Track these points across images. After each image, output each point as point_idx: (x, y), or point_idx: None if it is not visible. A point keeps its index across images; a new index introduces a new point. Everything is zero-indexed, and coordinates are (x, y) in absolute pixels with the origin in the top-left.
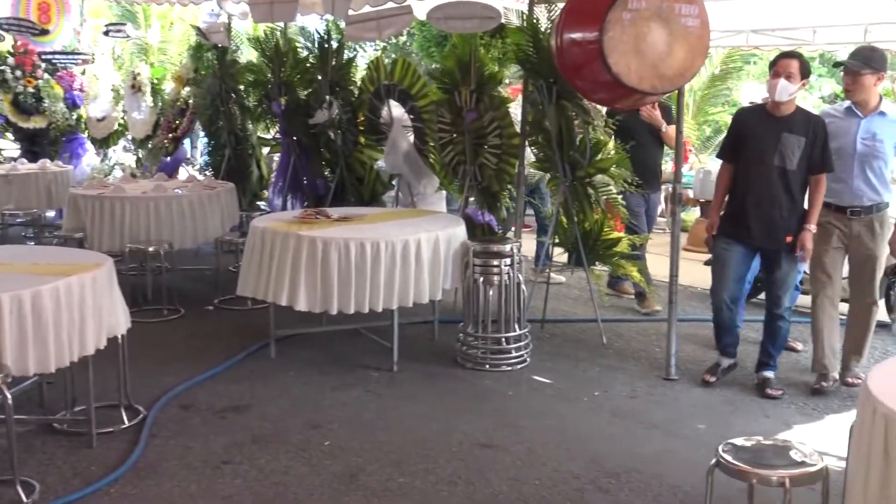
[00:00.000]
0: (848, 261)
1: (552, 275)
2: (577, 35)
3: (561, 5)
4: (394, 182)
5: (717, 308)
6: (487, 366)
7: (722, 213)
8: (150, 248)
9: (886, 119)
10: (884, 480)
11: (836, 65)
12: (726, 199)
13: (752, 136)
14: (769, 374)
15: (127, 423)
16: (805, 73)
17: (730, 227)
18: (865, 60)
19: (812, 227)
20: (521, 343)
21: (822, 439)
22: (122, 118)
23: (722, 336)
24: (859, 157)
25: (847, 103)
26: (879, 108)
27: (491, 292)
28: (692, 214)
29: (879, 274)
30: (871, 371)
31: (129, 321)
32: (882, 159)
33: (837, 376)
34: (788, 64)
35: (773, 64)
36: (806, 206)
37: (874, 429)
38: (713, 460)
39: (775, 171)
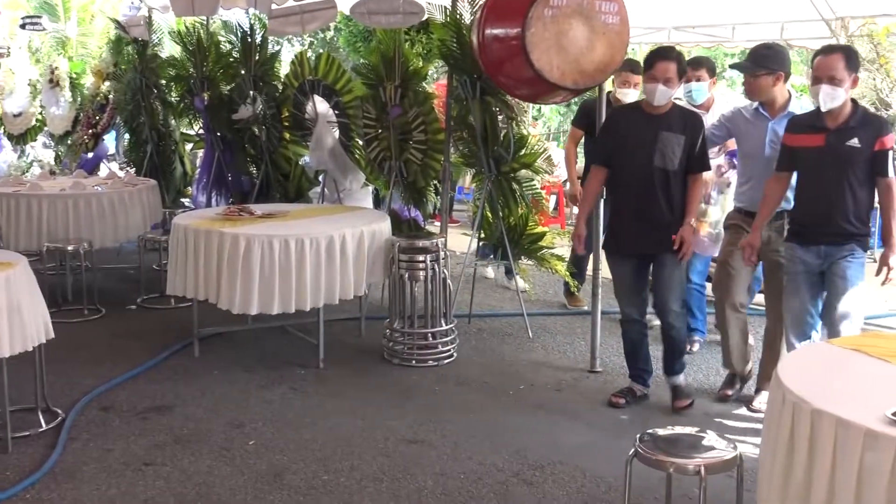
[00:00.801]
0: (761, 269)
1: (480, 269)
2: (499, 31)
3: (482, 1)
4: (320, 178)
5: (624, 328)
6: (414, 361)
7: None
8: (70, 247)
9: None
10: (788, 465)
11: (733, 66)
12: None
13: (630, 136)
14: (677, 380)
15: (44, 427)
16: (682, 73)
17: (614, 243)
18: (760, 61)
19: (691, 221)
20: (448, 338)
21: (739, 427)
22: (40, 114)
23: (631, 359)
24: (767, 160)
25: (756, 104)
26: (787, 108)
27: (417, 288)
28: None
29: None
30: (782, 360)
31: (50, 332)
32: None
33: (747, 374)
34: (667, 68)
35: (648, 65)
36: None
37: (783, 416)
38: (632, 450)
39: (656, 172)
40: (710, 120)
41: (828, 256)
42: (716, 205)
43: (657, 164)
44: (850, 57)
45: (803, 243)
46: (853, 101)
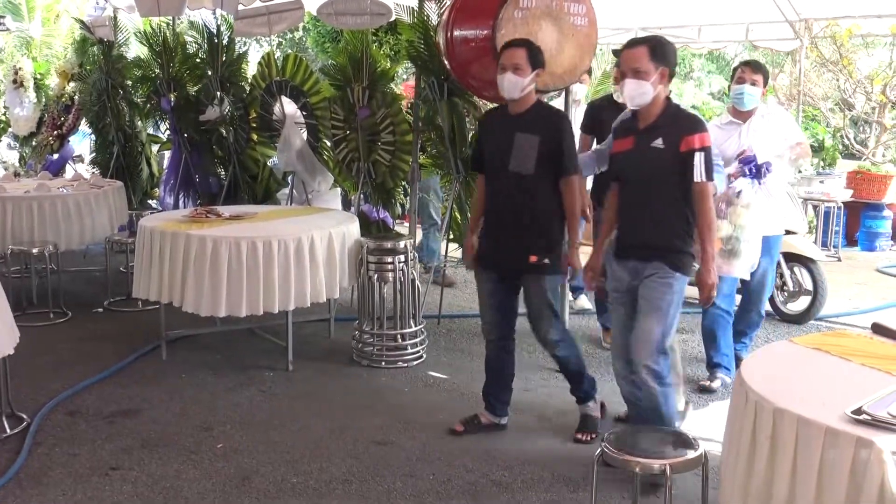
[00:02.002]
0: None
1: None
2: (468, 32)
3: (449, 2)
4: (288, 179)
5: (486, 349)
6: (383, 363)
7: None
8: (34, 250)
9: None
10: (750, 463)
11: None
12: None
13: (490, 139)
14: (584, 408)
15: (9, 432)
16: (536, 63)
17: (478, 251)
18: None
19: (573, 240)
20: (417, 339)
21: (706, 426)
22: (4, 115)
23: (488, 383)
24: None
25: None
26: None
27: (386, 289)
28: None
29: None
30: (745, 359)
31: (15, 339)
32: None
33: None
34: (513, 54)
35: (498, 53)
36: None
37: (745, 414)
38: (598, 451)
39: (512, 177)
40: (746, 132)
41: (637, 273)
42: (726, 218)
43: (513, 168)
44: (656, 49)
45: (618, 258)
46: (667, 98)
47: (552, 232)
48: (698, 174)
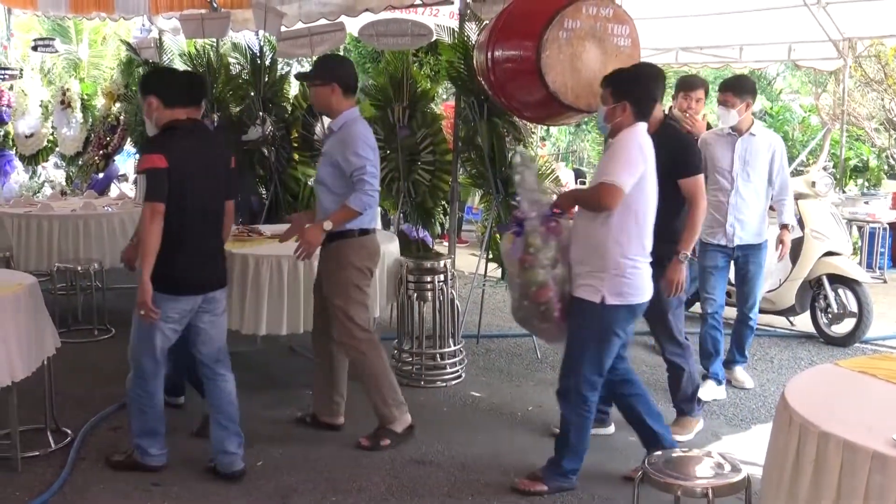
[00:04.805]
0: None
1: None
2: (511, 53)
3: (489, 23)
4: None
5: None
6: (422, 382)
7: None
8: (80, 267)
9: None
10: (793, 487)
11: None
12: None
13: None
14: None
15: (54, 447)
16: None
17: None
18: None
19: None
20: (456, 359)
21: (748, 449)
22: (52, 134)
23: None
24: None
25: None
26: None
27: (425, 308)
28: None
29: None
30: (789, 382)
31: (57, 342)
32: None
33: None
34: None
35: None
36: None
37: (789, 437)
38: (639, 472)
39: None
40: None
41: None
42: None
43: None
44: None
45: None
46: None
47: None
48: None
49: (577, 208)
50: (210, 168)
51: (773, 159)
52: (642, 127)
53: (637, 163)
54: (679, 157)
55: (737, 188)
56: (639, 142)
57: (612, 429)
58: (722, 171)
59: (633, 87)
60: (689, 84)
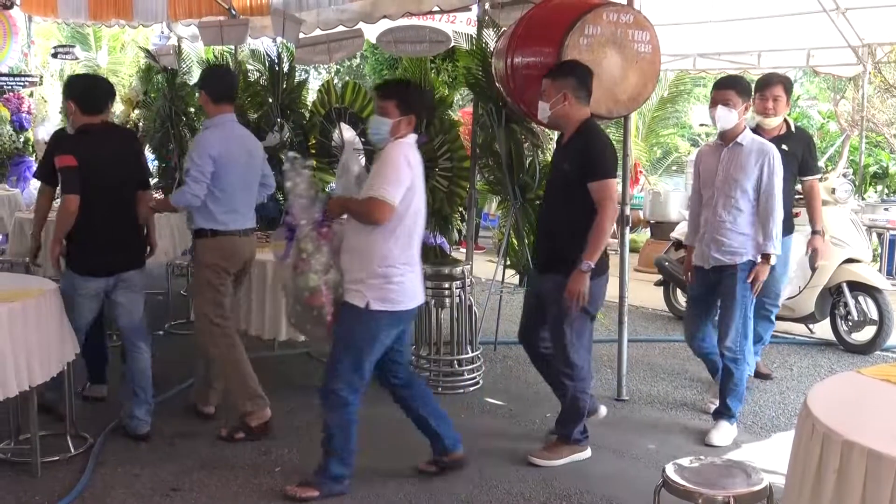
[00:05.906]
0: None
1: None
2: (532, 59)
3: (507, 29)
4: None
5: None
6: (440, 388)
7: None
8: None
9: None
10: (815, 497)
11: None
12: None
13: None
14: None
15: (73, 452)
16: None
17: None
18: None
19: None
20: (474, 365)
21: (768, 457)
22: None
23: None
24: None
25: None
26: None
27: (443, 315)
28: (643, 235)
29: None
30: (811, 390)
31: (77, 347)
32: None
33: None
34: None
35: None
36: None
37: (811, 446)
38: (660, 480)
39: None
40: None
41: None
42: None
43: None
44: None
45: None
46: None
47: None
48: None
49: (346, 216)
50: (118, 164)
51: (763, 171)
52: (411, 139)
53: (404, 177)
54: (588, 159)
55: (717, 204)
56: (405, 154)
57: (588, 453)
58: (709, 185)
59: (414, 99)
60: (761, 82)
